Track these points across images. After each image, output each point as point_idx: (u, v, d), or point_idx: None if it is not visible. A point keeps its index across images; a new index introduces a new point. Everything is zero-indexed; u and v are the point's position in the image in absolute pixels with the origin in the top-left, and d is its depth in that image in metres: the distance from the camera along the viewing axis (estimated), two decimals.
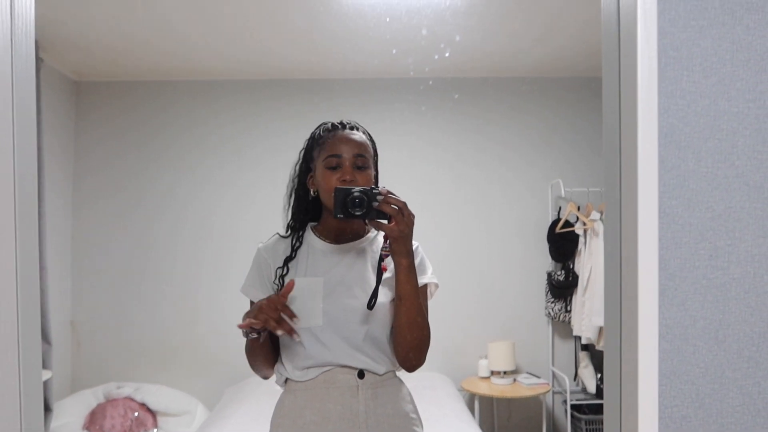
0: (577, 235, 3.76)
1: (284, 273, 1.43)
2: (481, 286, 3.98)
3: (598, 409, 3.72)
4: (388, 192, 1.31)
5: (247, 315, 1.33)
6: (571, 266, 3.82)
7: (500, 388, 3.62)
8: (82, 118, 3.95)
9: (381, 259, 1.38)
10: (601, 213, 3.60)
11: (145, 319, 3.91)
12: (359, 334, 1.38)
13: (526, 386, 3.62)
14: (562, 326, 3.96)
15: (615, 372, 1.09)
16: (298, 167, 1.52)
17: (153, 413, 3.58)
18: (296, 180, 1.51)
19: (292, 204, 1.53)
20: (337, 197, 1.32)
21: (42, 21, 3.01)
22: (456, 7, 2.86)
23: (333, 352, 1.37)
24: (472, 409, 3.62)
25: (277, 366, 1.45)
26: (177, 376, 3.86)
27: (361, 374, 1.38)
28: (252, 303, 1.46)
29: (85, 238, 3.92)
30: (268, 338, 1.40)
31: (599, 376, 3.73)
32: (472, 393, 3.65)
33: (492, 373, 3.75)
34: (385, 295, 1.40)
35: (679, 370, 1.04)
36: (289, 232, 1.52)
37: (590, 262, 3.63)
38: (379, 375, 1.40)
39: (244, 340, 1.40)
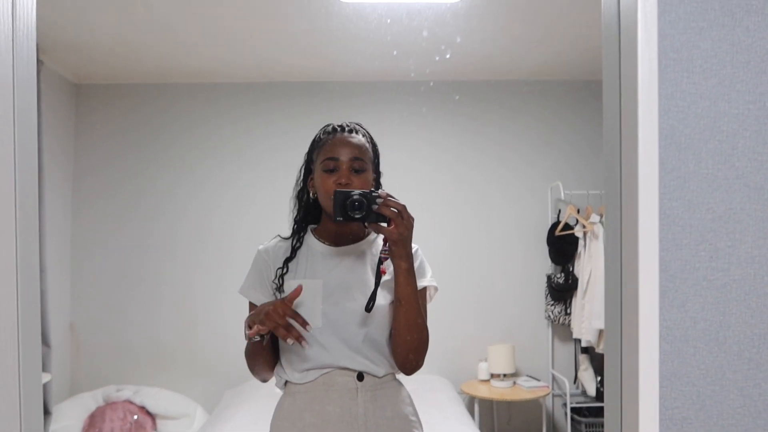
0: (577, 238, 3.76)
1: (284, 272, 1.43)
2: (480, 288, 3.98)
3: (598, 412, 3.72)
4: (388, 195, 1.31)
5: (251, 319, 1.32)
6: (571, 269, 3.82)
7: (500, 391, 3.62)
8: (81, 121, 3.95)
9: (380, 261, 1.38)
10: (601, 216, 3.60)
11: (144, 322, 3.90)
12: (358, 336, 1.37)
13: (525, 389, 3.61)
14: (561, 329, 3.96)
15: (615, 373, 1.09)
16: (302, 169, 1.52)
17: (152, 416, 3.57)
18: (300, 182, 1.52)
19: (295, 205, 1.53)
20: (336, 200, 1.32)
21: (42, 24, 2.99)
22: (457, 9, 2.86)
23: (332, 354, 1.37)
24: (471, 412, 3.61)
25: (277, 368, 1.45)
26: (176, 379, 3.85)
27: (360, 376, 1.38)
28: (251, 305, 1.46)
29: (84, 240, 3.92)
30: (269, 341, 1.40)
31: (599, 378, 3.72)
32: (472, 396, 3.64)
33: (492, 376, 3.75)
34: (384, 298, 1.40)
35: (680, 371, 1.03)
36: (292, 233, 1.52)
37: (590, 264, 3.63)
38: (378, 377, 1.40)
39: (243, 342, 1.40)
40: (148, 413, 3.57)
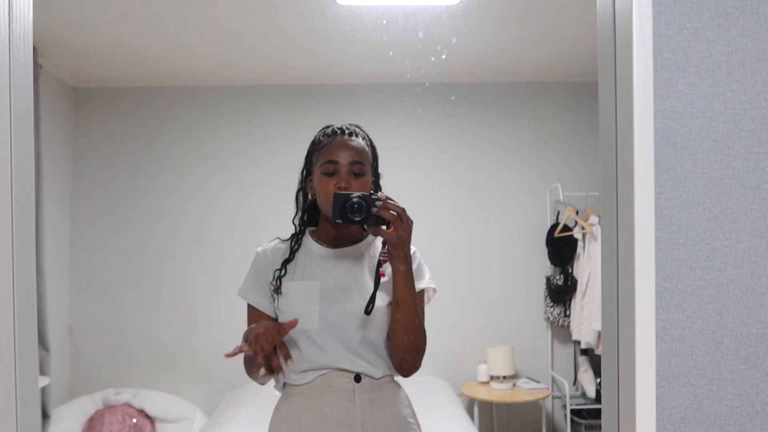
0: (576, 240, 3.76)
1: (282, 275, 1.43)
2: (479, 290, 3.97)
3: (598, 414, 3.71)
4: (387, 198, 1.31)
5: (246, 334, 1.32)
6: (570, 271, 3.82)
7: (499, 392, 3.62)
8: (80, 124, 3.96)
9: (379, 264, 1.39)
10: (600, 217, 3.60)
11: (143, 325, 3.90)
12: (356, 337, 1.38)
13: (525, 391, 3.61)
14: (561, 331, 3.96)
15: (612, 374, 1.09)
16: (302, 171, 1.53)
17: (151, 419, 3.57)
18: (300, 184, 1.53)
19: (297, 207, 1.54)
20: (335, 202, 1.32)
21: (41, 27, 3.02)
22: (452, 10, 2.87)
23: (330, 356, 1.37)
24: (471, 414, 3.61)
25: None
26: (175, 382, 3.84)
27: (357, 378, 1.38)
28: (249, 307, 1.46)
29: (83, 243, 3.92)
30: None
31: (598, 380, 3.72)
32: (472, 398, 3.64)
33: (491, 377, 3.75)
34: (382, 299, 1.40)
35: (677, 371, 1.03)
36: (291, 235, 1.52)
37: (589, 266, 3.63)
38: (376, 379, 1.40)
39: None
40: (147, 416, 3.56)
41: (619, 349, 1.07)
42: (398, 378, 1.48)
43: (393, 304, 1.37)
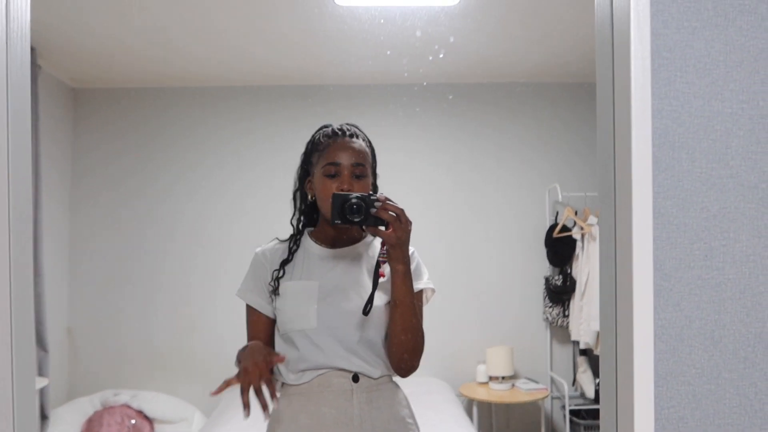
0: (575, 240, 3.76)
1: (280, 275, 1.43)
2: (478, 290, 3.97)
3: (597, 414, 3.70)
4: (386, 198, 1.31)
5: (237, 356, 1.31)
6: (569, 271, 3.82)
7: (498, 393, 3.61)
8: (79, 125, 3.95)
9: (378, 265, 1.38)
10: (599, 217, 3.60)
11: (141, 326, 3.89)
12: (354, 337, 1.37)
13: (524, 391, 3.61)
14: (560, 331, 3.96)
15: (611, 373, 1.09)
16: (299, 170, 1.52)
17: (150, 420, 3.56)
18: (297, 183, 1.52)
19: (295, 207, 1.53)
20: (334, 203, 1.32)
21: (40, 29, 3.02)
22: (451, 10, 2.87)
23: (327, 355, 1.36)
24: (470, 415, 3.60)
25: (273, 371, 1.45)
26: (174, 383, 3.84)
27: (355, 378, 1.38)
28: (248, 307, 1.46)
29: (82, 244, 3.91)
30: (266, 340, 1.40)
31: (597, 381, 3.72)
32: (471, 398, 3.64)
33: (490, 378, 3.74)
34: (380, 299, 1.40)
35: (675, 370, 1.03)
36: (290, 236, 1.52)
37: (588, 266, 3.63)
38: (374, 378, 1.39)
39: (241, 345, 1.40)
40: (146, 417, 3.56)
41: (618, 348, 1.07)
42: (397, 378, 1.48)
43: (391, 304, 1.37)
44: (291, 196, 1.54)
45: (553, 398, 3.96)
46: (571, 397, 3.82)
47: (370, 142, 1.49)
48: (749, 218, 1.04)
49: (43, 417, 3.30)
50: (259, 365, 1.24)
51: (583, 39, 3.26)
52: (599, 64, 1.13)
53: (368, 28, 3.06)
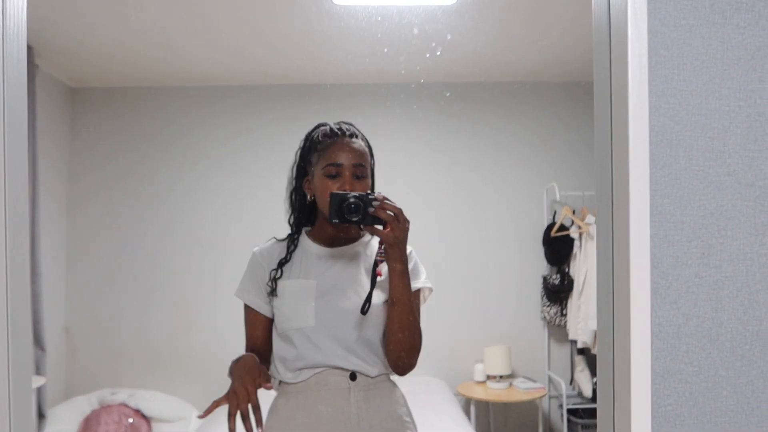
0: (573, 239, 3.76)
1: (278, 275, 1.43)
2: (476, 289, 3.97)
3: (595, 413, 3.71)
4: (384, 198, 1.31)
5: (229, 371, 1.30)
6: (567, 270, 3.83)
7: (496, 392, 3.62)
8: (77, 124, 3.95)
9: (375, 264, 1.38)
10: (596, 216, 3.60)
11: (139, 325, 3.89)
12: (352, 335, 1.37)
13: (522, 390, 3.61)
14: (557, 330, 3.96)
15: (608, 371, 1.09)
16: (294, 169, 1.51)
17: (147, 419, 3.56)
18: (293, 182, 1.51)
19: (290, 206, 1.53)
20: (332, 202, 1.31)
21: (38, 28, 3.02)
22: (447, 7, 2.87)
23: (325, 354, 1.36)
24: (468, 414, 3.61)
25: (271, 369, 1.45)
26: (171, 382, 3.84)
27: (353, 376, 1.37)
28: (246, 307, 1.46)
29: (79, 243, 3.91)
30: (264, 342, 1.40)
31: (595, 380, 3.72)
32: (468, 397, 3.64)
33: (488, 377, 3.75)
34: (378, 297, 1.40)
35: (673, 368, 1.03)
36: (288, 235, 1.52)
37: (585, 265, 3.63)
38: (371, 377, 1.39)
39: (238, 344, 1.40)
40: (144, 416, 3.55)
41: (615, 346, 1.07)
42: (394, 377, 1.48)
43: (389, 303, 1.37)
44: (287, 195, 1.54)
45: (550, 397, 3.96)
46: (568, 396, 3.83)
47: (368, 142, 1.49)
48: (746, 216, 1.04)
49: (41, 416, 3.29)
50: (247, 388, 1.22)
51: (581, 37, 3.26)
52: (596, 61, 1.13)
53: (365, 25, 3.06)
